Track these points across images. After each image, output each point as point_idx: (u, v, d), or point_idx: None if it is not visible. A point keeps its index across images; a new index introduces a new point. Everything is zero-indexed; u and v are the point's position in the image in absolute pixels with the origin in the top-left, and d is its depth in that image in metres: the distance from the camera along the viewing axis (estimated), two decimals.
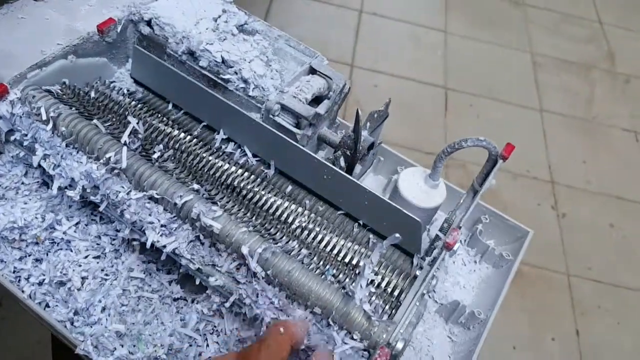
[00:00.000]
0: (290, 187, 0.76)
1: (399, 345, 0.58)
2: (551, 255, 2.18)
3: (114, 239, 0.73)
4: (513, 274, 0.89)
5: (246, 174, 0.75)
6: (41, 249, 0.70)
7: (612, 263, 2.28)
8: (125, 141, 0.69)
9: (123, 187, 0.66)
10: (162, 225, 0.65)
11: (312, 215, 0.73)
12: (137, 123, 0.70)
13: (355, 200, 0.72)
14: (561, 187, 2.43)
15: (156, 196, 0.66)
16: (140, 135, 0.70)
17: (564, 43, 3.11)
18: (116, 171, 0.67)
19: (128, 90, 0.81)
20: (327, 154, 0.88)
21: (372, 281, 0.64)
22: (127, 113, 0.75)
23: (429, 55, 2.81)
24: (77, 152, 0.69)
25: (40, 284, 0.69)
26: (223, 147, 0.77)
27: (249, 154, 0.77)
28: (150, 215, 0.65)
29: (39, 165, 0.71)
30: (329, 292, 0.61)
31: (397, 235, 0.60)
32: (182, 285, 0.72)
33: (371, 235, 0.73)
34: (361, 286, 0.60)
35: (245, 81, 0.77)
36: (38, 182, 0.75)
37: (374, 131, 0.84)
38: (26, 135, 0.71)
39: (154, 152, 0.69)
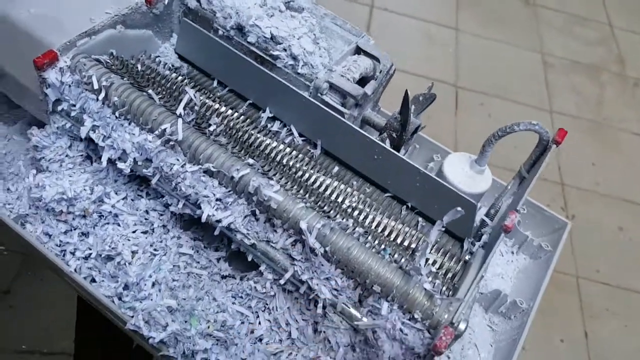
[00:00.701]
0: (336, 168, 0.74)
1: (462, 326, 0.57)
2: (560, 256, 2.18)
3: (161, 214, 0.71)
4: (554, 265, 0.88)
5: (294, 152, 0.73)
6: (88, 223, 0.69)
7: (620, 266, 2.28)
8: (180, 113, 0.67)
9: (178, 160, 0.65)
10: (217, 199, 0.64)
11: (361, 196, 0.72)
12: (194, 94, 0.68)
13: (406, 182, 0.71)
14: (571, 188, 2.43)
15: (212, 169, 0.64)
16: (196, 108, 0.69)
17: (575, 44, 3.11)
18: (171, 143, 0.65)
19: (173, 65, 0.79)
20: None
21: (431, 261, 0.63)
22: (175, 88, 0.74)
23: (440, 52, 2.80)
24: (129, 124, 0.68)
25: (87, 258, 0.67)
26: (269, 125, 0.76)
27: (296, 133, 0.76)
28: (205, 188, 0.64)
29: (86, 138, 0.69)
30: (389, 270, 0.60)
31: (459, 208, 0.59)
32: (230, 263, 0.70)
33: (420, 219, 0.72)
34: (421, 265, 0.59)
35: (294, 58, 0.76)
36: (82, 155, 0.73)
37: (419, 114, 0.83)
38: (74, 105, 0.69)
39: (209, 125, 0.68)
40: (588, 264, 2.21)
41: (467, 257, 0.70)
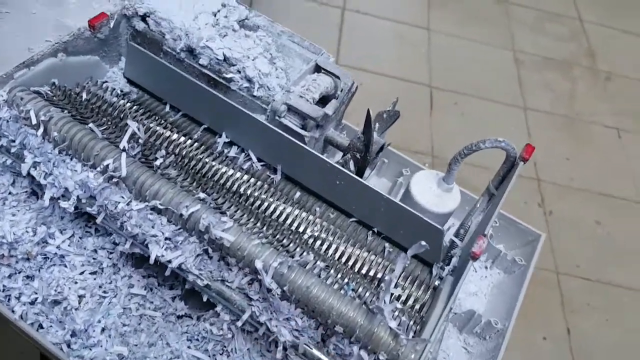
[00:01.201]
0: (298, 194, 0.71)
1: None
2: (540, 253, 2.17)
3: (111, 253, 0.67)
4: (528, 280, 0.85)
5: (252, 179, 0.70)
6: (33, 265, 0.64)
7: (599, 260, 2.28)
8: (124, 147, 0.63)
9: (123, 197, 0.61)
10: (166, 239, 0.60)
11: (324, 223, 0.68)
12: (137, 127, 0.64)
13: (370, 207, 0.68)
14: (547, 184, 2.42)
15: (160, 207, 0.60)
16: (140, 140, 0.64)
17: (546, 40, 3.12)
18: (115, 180, 0.61)
19: (122, 91, 0.75)
20: (329, 157, 0.84)
21: (396, 294, 0.59)
22: (123, 116, 0.69)
23: (413, 53, 2.78)
24: (71, 159, 0.64)
25: (33, 303, 0.63)
26: (225, 151, 0.72)
27: (254, 158, 0.72)
28: (153, 227, 0.60)
29: (29, 174, 0.65)
30: (351, 308, 0.57)
31: (423, 242, 0.56)
32: (187, 302, 0.66)
33: (386, 244, 0.69)
34: (385, 302, 0.56)
35: (249, 80, 0.72)
36: (27, 191, 0.69)
37: (383, 132, 0.80)
38: (14, 141, 0.65)
39: (156, 159, 0.64)
40: (568, 259, 2.20)
41: (436, 283, 0.67)
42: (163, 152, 0.65)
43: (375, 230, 0.70)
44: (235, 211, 0.64)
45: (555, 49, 3.09)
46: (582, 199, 2.39)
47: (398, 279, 0.61)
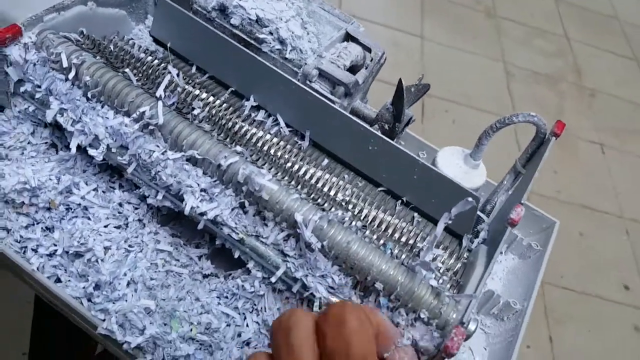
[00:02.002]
0: (326, 160, 0.70)
1: (472, 326, 0.53)
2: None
3: (137, 208, 0.65)
4: (545, 264, 0.85)
5: (282, 143, 0.68)
6: (54, 216, 0.62)
7: (582, 271, 2.31)
8: (160, 95, 0.61)
9: (158, 146, 0.59)
10: (202, 190, 0.58)
11: (354, 189, 0.67)
12: (177, 73, 0.62)
13: (402, 175, 0.67)
14: (534, 195, 2.45)
15: (197, 157, 0.58)
16: (178, 89, 0.62)
17: (534, 55, 3.18)
18: (150, 128, 0.59)
19: (148, 49, 0.73)
20: None
21: (435, 257, 0.58)
22: (151, 72, 0.67)
23: (407, 60, 2.80)
24: (103, 107, 0.61)
25: (51, 255, 0.60)
26: (253, 115, 0.71)
27: (282, 123, 0.71)
28: (188, 177, 0.58)
29: (52, 124, 0.62)
30: (392, 266, 0.55)
31: (470, 199, 0.55)
32: (213, 261, 0.64)
33: (415, 214, 0.68)
34: (427, 259, 0.55)
35: (281, 42, 0.71)
36: (46, 143, 0.66)
37: (411, 105, 0.79)
38: (39, 86, 0.63)
39: (193, 108, 0.62)
40: (552, 269, 2.22)
41: (465, 255, 0.66)
42: (200, 103, 0.63)
43: (404, 200, 0.69)
44: (270, 168, 0.62)
45: (544, 64, 3.16)
46: (568, 212, 2.43)
47: (439, 238, 0.60)
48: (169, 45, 0.71)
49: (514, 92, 2.91)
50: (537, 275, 0.83)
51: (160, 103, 0.60)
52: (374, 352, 0.39)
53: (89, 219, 0.62)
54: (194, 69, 0.73)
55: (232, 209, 0.58)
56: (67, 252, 0.60)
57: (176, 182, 0.58)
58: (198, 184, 0.58)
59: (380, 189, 0.69)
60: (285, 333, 0.39)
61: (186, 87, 0.66)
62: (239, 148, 0.61)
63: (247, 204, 0.59)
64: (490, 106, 2.73)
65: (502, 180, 0.77)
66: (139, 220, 0.64)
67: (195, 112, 0.62)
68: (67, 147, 0.65)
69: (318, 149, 0.71)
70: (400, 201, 0.69)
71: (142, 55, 0.71)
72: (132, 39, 0.74)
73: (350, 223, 0.59)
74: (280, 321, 0.40)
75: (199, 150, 0.58)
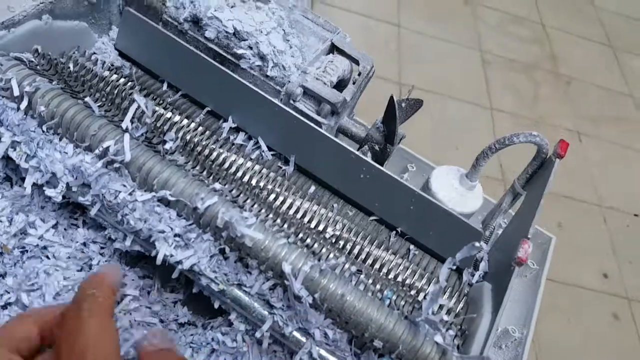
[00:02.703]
0: (313, 188, 0.63)
1: None
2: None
3: (103, 247, 0.58)
4: (543, 285, 0.81)
5: (264, 170, 0.62)
6: (8, 261, 0.54)
7: (561, 261, 2.30)
8: (127, 126, 0.54)
9: (125, 186, 0.52)
10: (176, 235, 0.51)
11: (345, 221, 0.61)
12: (145, 103, 0.55)
13: (397, 205, 0.61)
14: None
15: (170, 198, 0.51)
16: (148, 120, 0.55)
17: (510, 42, 3.14)
18: (116, 165, 0.52)
19: (112, 65, 0.65)
20: None
21: (440, 307, 0.53)
22: (117, 92, 0.60)
23: (382, 49, 2.73)
24: (60, 140, 0.54)
25: (5, 307, 0.53)
26: (232, 137, 0.64)
27: (264, 147, 0.64)
28: (160, 221, 0.51)
29: (4, 157, 0.55)
30: (392, 320, 0.50)
31: (477, 244, 0.50)
32: (190, 307, 0.58)
33: (411, 246, 0.62)
34: (430, 313, 0.49)
35: (262, 58, 0.64)
36: (1, 176, 0.59)
37: (402, 122, 0.73)
38: None
39: (164, 142, 0.55)
40: None
41: (466, 290, 0.60)
42: (172, 134, 0.56)
43: (399, 230, 0.63)
44: (252, 205, 0.56)
45: (520, 51, 3.12)
46: (546, 201, 2.41)
47: (444, 288, 0.54)
48: (133, 70, 0.63)
49: (491, 81, 2.88)
50: (536, 297, 0.79)
51: (127, 136, 0.53)
52: None
53: (48, 258, 0.55)
54: (164, 86, 0.66)
55: (211, 257, 0.52)
56: (19, 300, 0.53)
57: (146, 227, 0.51)
58: (171, 228, 0.51)
59: (372, 218, 0.64)
60: None
61: (156, 109, 0.59)
62: (217, 185, 0.54)
63: (227, 249, 0.52)
64: (467, 96, 2.69)
65: (499, 202, 0.72)
66: (106, 261, 0.57)
67: (169, 144, 0.55)
68: (24, 183, 0.58)
69: (303, 173, 0.65)
70: (394, 232, 0.63)
71: (106, 73, 0.63)
72: (94, 53, 0.66)
73: (343, 267, 0.53)
74: None
75: (172, 190, 0.52)
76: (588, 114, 2.98)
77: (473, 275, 0.62)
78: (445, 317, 0.51)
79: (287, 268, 0.49)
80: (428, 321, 0.48)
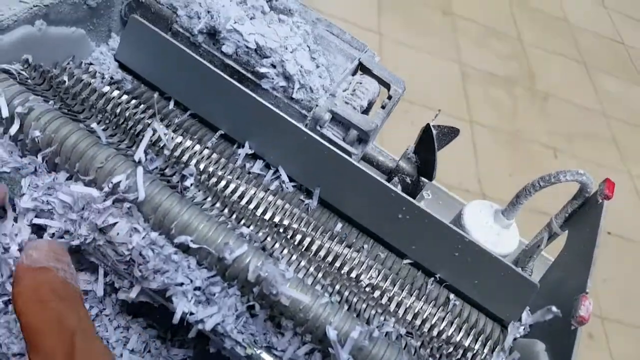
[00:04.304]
0: (339, 225, 0.56)
1: None
2: None
3: (104, 296, 0.49)
4: None
5: (287, 206, 0.54)
6: None
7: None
8: (139, 159, 0.45)
9: (137, 229, 0.43)
10: (196, 288, 0.43)
11: (379, 266, 0.54)
12: (164, 133, 0.47)
13: (440, 250, 0.54)
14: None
15: (192, 245, 0.43)
16: (166, 151, 0.47)
17: (490, 57, 3.14)
18: (127, 205, 0.44)
19: (112, 78, 0.56)
20: None
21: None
22: (120, 112, 0.51)
23: None
24: (58, 172, 0.45)
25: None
26: (247, 165, 0.56)
27: (285, 177, 0.56)
28: (178, 271, 0.43)
29: None
30: None
31: (554, 308, 0.43)
32: None
33: (452, 295, 0.55)
34: None
35: (287, 78, 0.56)
36: None
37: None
38: None
39: (184, 177, 0.46)
40: None
41: (509, 345, 0.54)
42: (192, 168, 0.47)
43: (437, 277, 0.56)
44: (282, 251, 0.48)
45: (498, 65, 3.13)
46: (523, 217, 2.40)
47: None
48: (155, 96, 0.55)
49: (470, 94, 2.87)
50: None
51: (140, 170, 0.44)
52: None
53: None
54: (171, 105, 0.58)
55: (238, 315, 0.44)
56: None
57: (161, 279, 0.42)
58: (191, 280, 0.43)
59: (405, 261, 0.57)
60: None
61: (174, 138, 0.51)
62: (245, 229, 0.46)
63: (257, 306, 0.44)
64: (447, 108, 2.67)
65: (535, 242, 0.66)
66: (104, 309, 0.48)
67: (190, 181, 0.46)
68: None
69: (327, 207, 0.58)
70: (433, 278, 0.56)
71: (107, 88, 0.54)
72: (91, 64, 0.57)
73: (392, 328, 0.46)
74: None
75: (194, 236, 0.43)
76: (563, 131, 2.99)
77: (518, 329, 0.55)
78: None
79: (331, 334, 0.42)
80: None
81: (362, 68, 0.64)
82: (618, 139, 3.09)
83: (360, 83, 0.61)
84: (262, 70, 0.56)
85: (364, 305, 0.48)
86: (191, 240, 0.43)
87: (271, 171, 0.57)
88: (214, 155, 0.54)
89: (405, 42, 2.91)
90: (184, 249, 0.44)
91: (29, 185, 0.43)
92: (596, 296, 2.28)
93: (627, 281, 2.33)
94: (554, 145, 2.89)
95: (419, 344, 0.47)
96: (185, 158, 0.51)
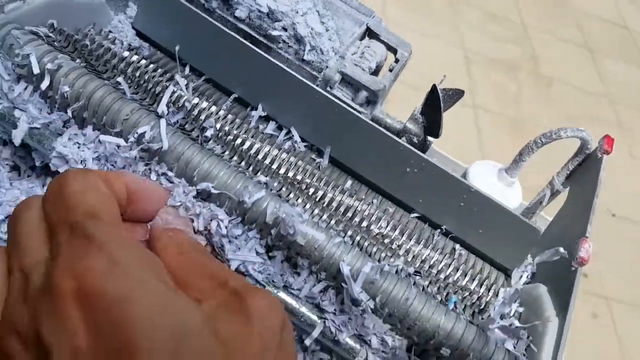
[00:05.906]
0: (349, 182, 0.59)
1: None
2: None
3: None
4: None
5: (300, 163, 0.57)
6: None
7: None
8: (162, 111, 0.48)
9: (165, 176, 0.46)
10: None
11: (388, 218, 0.57)
12: (185, 84, 0.50)
13: (445, 202, 0.57)
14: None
15: (213, 191, 0.46)
16: (187, 103, 0.50)
17: (492, 42, 3.15)
18: (151, 153, 0.47)
19: (130, 45, 0.59)
20: None
21: (512, 313, 0.49)
22: (139, 74, 0.54)
23: None
24: (84, 124, 0.48)
25: None
26: (261, 127, 0.59)
27: (297, 137, 0.59)
28: None
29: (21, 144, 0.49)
30: (461, 327, 0.45)
31: (562, 249, 0.46)
32: None
33: (457, 245, 0.58)
34: (501, 317, 0.45)
35: (298, 40, 0.59)
36: (8, 164, 0.52)
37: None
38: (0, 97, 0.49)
39: (203, 129, 0.49)
40: None
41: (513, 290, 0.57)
42: (212, 121, 0.50)
43: (443, 228, 0.59)
44: (297, 199, 0.51)
45: (502, 50, 3.13)
46: (526, 199, 2.42)
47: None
48: (177, 50, 0.58)
49: (474, 79, 2.88)
50: None
51: (163, 122, 0.47)
52: (109, 211, 0.30)
53: None
54: (187, 70, 0.61)
55: (257, 255, 0.46)
56: None
57: None
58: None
59: (413, 215, 0.59)
60: (13, 224, 0.30)
61: (192, 99, 0.54)
62: (262, 177, 0.49)
63: (273, 247, 0.47)
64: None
65: (538, 199, 0.69)
66: None
67: (210, 131, 0.49)
68: (32, 169, 0.52)
69: (337, 166, 0.60)
70: (438, 230, 0.59)
71: (126, 53, 0.57)
72: (110, 31, 0.60)
73: (401, 269, 0.49)
74: (13, 211, 0.31)
75: (215, 182, 0.46)
76: (568, 115, 3.00)
77: (521, 277, 0.58)
78: (516, 323, 0.47)
79: (345, 269, 0.45)
80: (503, 328, 0.44)
81: (369, 33, 0.66)
82: (623, 122, 3.09)
83: (368, 47, 0.64)
84: (274, 33, 0.59)
85: (374, 249, 0.51)
86: (212, 187, 0.46)
87: (283, 132, 0.59)
88: (230, 116, 0.57)
89: (410, 27, 2.92)
90: (206, 195, 0.47)
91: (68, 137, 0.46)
92: (601, 277, 2.30)
93: (632, 262, 2.34)
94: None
95: (426, 283, 0.50)
96: (202, 117, 0.54)
